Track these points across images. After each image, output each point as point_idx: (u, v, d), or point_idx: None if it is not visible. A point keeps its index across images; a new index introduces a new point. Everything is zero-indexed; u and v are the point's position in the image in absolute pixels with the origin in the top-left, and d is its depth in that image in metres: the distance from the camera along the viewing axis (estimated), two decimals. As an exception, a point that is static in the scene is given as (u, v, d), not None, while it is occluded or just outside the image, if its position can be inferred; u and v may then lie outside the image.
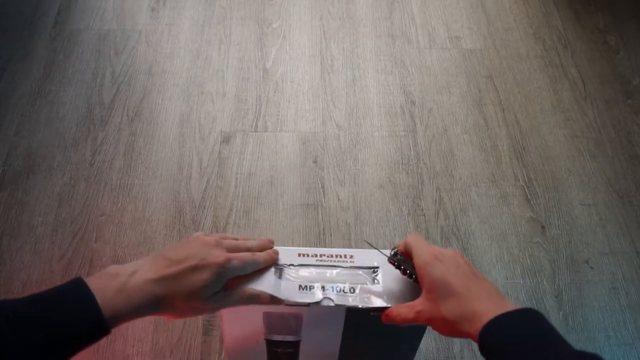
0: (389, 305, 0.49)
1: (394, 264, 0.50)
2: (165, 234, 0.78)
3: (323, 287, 0.50)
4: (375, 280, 0.51)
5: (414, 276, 0.49)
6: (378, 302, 0.49)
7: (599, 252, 0.78)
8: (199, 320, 0.71)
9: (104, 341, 0.68)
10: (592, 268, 0.76)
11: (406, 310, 0.47)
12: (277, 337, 0.56)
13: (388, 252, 0.51)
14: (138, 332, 0.70)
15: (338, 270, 0.52)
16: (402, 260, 0.50)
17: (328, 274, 0.52)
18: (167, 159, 0.86)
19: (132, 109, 0.92)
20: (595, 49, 1.01)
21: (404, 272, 0.50)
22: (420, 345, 0.69)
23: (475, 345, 0.69)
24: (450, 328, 0.44)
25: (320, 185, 0.84)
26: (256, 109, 0.92)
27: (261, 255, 0.51)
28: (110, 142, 0.88)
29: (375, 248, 0.52)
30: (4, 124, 0.89)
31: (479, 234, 0.79)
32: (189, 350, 0.69)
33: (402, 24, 1.05)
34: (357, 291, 0.50)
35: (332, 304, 0.49)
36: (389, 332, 0.53)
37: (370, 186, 0.84)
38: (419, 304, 0.47)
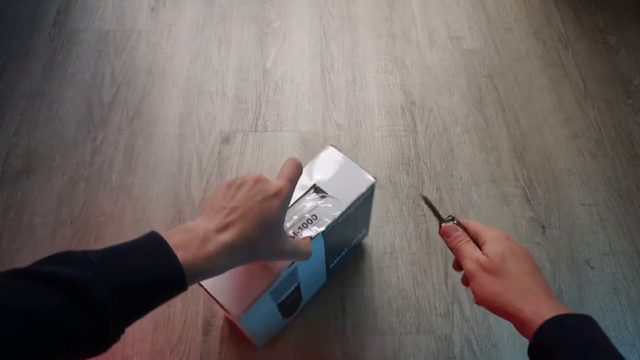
0: (346, 205, 0.57)
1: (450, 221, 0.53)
2: (165, 234, 0.78)
3: (295, 230, 0.56)
4: (322, 196, 0.59)
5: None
6: (338, 209, 0.57)
7: (600, 253, 0.78)
8: (199, 320, 0.71)
9: (103, 341, 0.68)
10: (592, 268, 0.76)
11: (468, 247, 0.50)
12: (283, 296, 0.60)
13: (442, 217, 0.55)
14: (138, 332, 0.70)
15: (293, 210, 0.57)
16: (458, 225, 0.53)
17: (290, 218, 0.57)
18: (167, 159, 0.86)
19: (132, 109, 0.92)
20: (596, 48, 1.01)
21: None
22: (421, 345, 0.70)
23: (475, 346, 0.70)
24: (499, 294, 0.44)
25: (320, 185, 0.83)
26: (256, 109, 0.92)
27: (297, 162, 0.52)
28: (110, 142, 0.88)
29: (432, 207, 0.57)
30: (3, 124, 0.89)
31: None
32: (189, 350, 0.69)
33: (402, 24, 1.04)
34: (319, 216, 0.57)
35: (313, 234, 0.55)
36: (351, 222, 0.63)
37: (370, 186, 0.84)
38: (483, 258, 0.48)
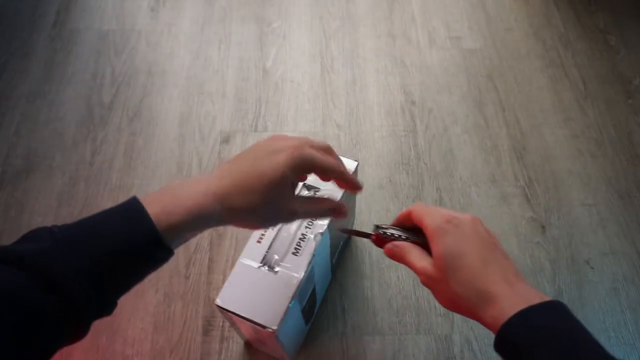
0: (341, 192, 0.58)
1: (387, 239, 0.47)
2: (165, 234, 0.78)
3: (303, 231, 0.57)
4: (315, 191, 0.59)
5: (411, 239, 0.46)
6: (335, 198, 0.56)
7: (600, 252, 0.78)
8: (199, 320, 0.71)
9: (103, 341, 0.68)
10: (592, 268, 0.76)
11: (416, 257, 0.43)
12: (305, 300, 0.60)
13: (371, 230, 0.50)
14: (138, 332, 0.70)
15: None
16: (387, 228, 0.48)
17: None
18: (166, 159, 0.86)
19: (132, 109, 0.92)
20: (596, 48, 1.01)
21: (399, 239, 0.46)
22: (421, 345, 0.70)
23: (475, 346, 0.70)
24: (456, 304, 0.40)
25: (320, 185, 0.84)
26: (256, 108, 0.92)
27: (348, 175, 0.44)
28: (110, 142, 0.88)
29: (351, 232, 0.55)
30: (3, 124, 0.89)
31: (479, 234, 0.79)
32: (189, 350, 0.69)
33: (402, 24, 1.04)
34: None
35: (321, 230, 0.57)
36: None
37: (370, 186, 0.84)
38: (429, 264, 0.42)
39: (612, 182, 0.85)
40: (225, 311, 0.52)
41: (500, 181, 0.84)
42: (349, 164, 0.62)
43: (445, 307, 0.43)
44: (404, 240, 0.46)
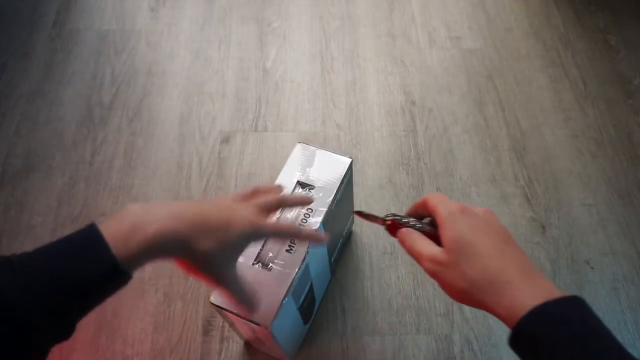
0: (335, 190, 0.59)
1: (400, 225, 0.48)
2: (165, 234, 0.78)
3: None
4: (310, 189, 0.60)
5: (426, 228, 0.46)
6: (329, 196, 0.59)
7: (600, 253, 0.78)
8: (199, 320, 0.71)
9: (103, 341, 0.68)
10: (592, 268, 0.76)
11: (422, 245, 0.43)
12: (302, 297, 0.60)
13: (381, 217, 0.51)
14: (138, 332, 0.70)
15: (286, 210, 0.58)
16: (401, 216, 0.48)
17: (284, 216, 0.58)
18: (166, 159, 0.86)
19: (131, 109, 0.92)
20: (596, 48, 1.01)
21: (419, 229, 0.46)
22: (421, 345, 0.70)
23: (475, 346, 0.70)
24: (466, 292, 0.38)
25: (320, 185, 0.84)
26: (256, 108, 0.92)
27: (305, 230, 0.48)
28: (110, 142, 0.88)
29: (367, 216, 0.54)
30: (3, 124, 0.89)
31: (479, 234, 0.79)
32: (189, 350, 0.69)
33: (402, 24, 1.04)
34: (313, 207, 0.58)
35: (315, 226, 0.56)
36: (341, 207, 0.65)
37: (370, 186, 0.84)
38: (437, 251, 0.41)
39: (612, 182, 0.85)
40: (220, 309, 0.52)
41: (500, 181, 0.84)
42: (342, 161, 0.62)
43: (452, 296, 0.41)
44: (418, 228, 0.46)
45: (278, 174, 0.84)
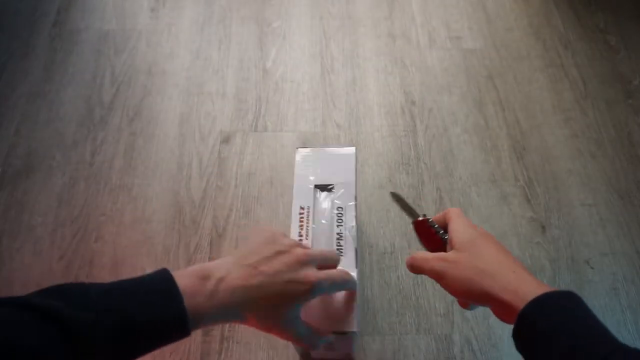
0: (354, 181, 0.60)
1: (427, 227, 0.52)
2: (165, 234, 0.78)
3: (335, 230, 0.57)
4: (330, 188, 0.60)
5: (445, 238, 0.50)
6: (351, 188, 0.59)
7: (600, 253, 0.78)
8: (198, 320, 0.71)
9: (103, 341, 0.68)
10: (592, 268, 0.76)
11: (425, 253, 0.47)
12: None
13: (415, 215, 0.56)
14: (138, 332, 0.70)
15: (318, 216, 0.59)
16: (431, 220, 0.53)
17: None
18: (167, 159, 0.86)
19: (132, 109, 0.92)
20: (596, 48, 1.01)
21: (440, 235, 0.51)
22: (421, 345, 0.70)
23: (475, 346, 0.70)
24: (475, 281, 0.42)
25: (320, 185, 0.84)
26: (256, 109, 0.92)
27: (350, 276, 0.50)
28: (110, 142, 0.88)
29: (403, 203, 0.57)
30: (3, 124, 0.89)
31: (479, 234, 0.79)
32: (189, 350, 0.69)
33: (402, 24, 1.04)
34: (341, 204, 0.58)
35: (353, 223, 0.57)
36: None
37: (370, 186, 0.84)
38: (448, 254, 0.46)
39: (612, 182, 0.85)
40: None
41: (500, 181, 0.84)
42: (348, 152, 0.63)
43: (457, 290, 0.44)
44: (444, 239, 0.50)
45: (277, 173, 0.85)
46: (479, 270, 0.42)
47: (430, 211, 0.81)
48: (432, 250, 0.51)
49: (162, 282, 0.39)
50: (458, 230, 0.47)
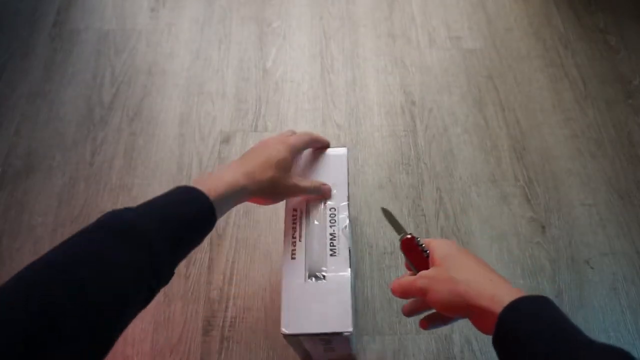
0: (346, 180, 0.61)
1: (414, 244, 0.53)
2: (165, 234, 0.78)
3: (331, 233, 0.58)
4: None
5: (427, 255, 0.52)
6: (343, 188, 0.60)
7: (600, 253, 0.78)
8: (199, 320, 0.71)
9: (103, 341, 0.68)
10: (592, 268, 0.76)
11: (406, 277, 0.50)
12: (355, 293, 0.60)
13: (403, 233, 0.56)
14: (138, 332, 0.70)
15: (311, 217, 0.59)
16: (418, 239, 0.54)
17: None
18: (167, 159, 0.86)
19: (132, 109, 0.92)
20: (596, 48, 1.01)
21: (424, 252, 0.52)
22: (421, 345, 0.70)
23: (475, 346, 0.70)
24: (456, 291, 0.44)
25: (320, 185, 0.83)
26: (256, 108, 0.92)
27: (319, 136, 0.62)
28: (110, 142, 0.88)
29: (391, 218, 0.56)
30: (3, 124, 0.89)
31: (479, 234, 0.79)
32: (189, 350, 0.69)
33: (402, 24, 1.04)
34: (334, 205, 0.59)
35: (346, 223, 0.58)
36: None
37: (370, 186, 0.84)
38: (429, 271, 0.48)
39: (612, 182, 0.85)
40: (294, 337, 0.52)
41: (500, 181, 0.84)
42: (339, 152, 0.63)
43: (440, 303, 0.46)
44: (425, 258, 0.52)
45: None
46: (456, 281, 0.44)
47: (430, 211, 0.81)
48: (418, 268, 0.51)
49: (184, 189, 0.47)
50: (437, 247, 0.50)
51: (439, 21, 1.05)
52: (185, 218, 0.45)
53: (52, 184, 0.83)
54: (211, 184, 0.48)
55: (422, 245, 0.52)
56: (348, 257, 0.55)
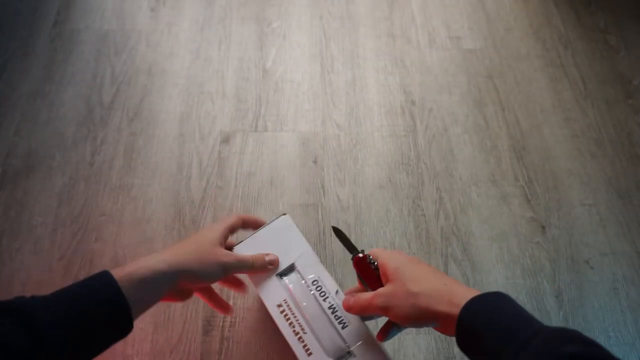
0: (309, 249, 0.58)
1: (366, 262, 0.52)
2: (165, 234, 0.78)
3: (331, 304, 0.55)
4: (293, 270, 0.58)
5: (378, 273, 0.51)
6: (313, 257, 0.58)
7: (600, 252, 0.78)
8: (199, 320, 0.71)
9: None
10: (592, 268, 0.76)
11: (360, 295, 0.50)
12: None
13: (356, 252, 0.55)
14: (138, 332, 0.70)
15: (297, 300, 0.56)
16: (370, 257, 0.53)
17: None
18: (166, 159, 0.86)
19: (132, 109, 0.92)
20: (596, 48, 1.01)
21: (376, 269, 0.52)
22: (421, 345, 0.70)
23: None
24: (416, 305, 0.44)
25: (320, 185, 0.84)
26: (256, 108, 0.92)
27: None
28: (110, 142, 0.88)
29: (342, 237, 0.56)
30: (3, 124, 0.89)
31: (479, 234, 0.79)
32: (189, 350, 0.69)
33: (402, 24, 1.04)
34: (317, 278, 0.56)
35: (337, 287, 0.56)
36: None
37: (370, 186, 0.84)
38: (383, 289, 0.48)
39: (612, 182, 0.85)
40: None
41: (500, 181, 0.84)
42: (283, 221, 0.60)
43: (402, 318, 0.46)
44: (377, 274, 0.51)
45: (277, 173, 0.85)
46: (415, 294, 0.44)
47: (430, 211, 0.81)
48: (370, 285, 0.51)
49: (101, 276, 0.44)
50: (387, 260, 0.49)
51: (439, 21, 1.05)
52: (88, 311, 0.42)
53: (52, 184, 0.83)
54: (128, 268, 0.45)
55: (374, 263, 0.52)
56: (359, 320, 0.53)
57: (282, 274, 0.57)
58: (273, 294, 0.55)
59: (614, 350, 0.69)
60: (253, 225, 0.60)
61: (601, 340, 0.70)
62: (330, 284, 0.55)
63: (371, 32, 1.03)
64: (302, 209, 0.81)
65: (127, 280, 0.43)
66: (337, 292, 0.55)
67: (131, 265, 0.46)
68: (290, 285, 0.56)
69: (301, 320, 0.53)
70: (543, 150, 0.88)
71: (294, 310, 0.54)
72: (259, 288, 0.56)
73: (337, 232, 0.58)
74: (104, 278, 0.43)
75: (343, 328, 0.52)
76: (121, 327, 0.44)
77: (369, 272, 0.52)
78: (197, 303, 0.72)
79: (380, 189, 0.83)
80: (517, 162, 0.87)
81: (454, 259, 0.77)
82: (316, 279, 0.56)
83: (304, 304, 0.54)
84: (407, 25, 1.04)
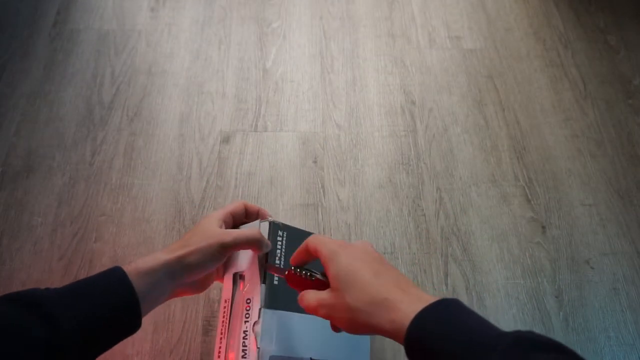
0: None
1: (296, 276, 0.49)
2: (165, 234, 0.78)
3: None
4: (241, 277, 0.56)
5: (316, 276, 0.48)
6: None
7: (600, 253, 0.78)
8: (199, 320, 0.71)
9: (103, 341, 0.68)
10: (592, 268, 0.76)
11: (311, 297, 0.45)
12: None
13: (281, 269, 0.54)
14: (138, 332, 0.70)
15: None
16: (301, 268, 0.49)
17: None
18: (166, 159, 0.86)
19: (132, 109, 0.92)
20: (596, 48, 1.01)
21: (310, 278, 0.48)
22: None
23: (475, 346, 0.69)
24: (355, 320, 0.41)
25: (320, 185, 0.84)
26: (256, 108, 0.92)
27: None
28: (110, 142, 0.88)
29: (268, 266, 0.54)
30: (3, 124, 0.89)
31: (479, 234, 0.79)
32: (189, 350, 0.69)
33: (402, 23, 1.04)
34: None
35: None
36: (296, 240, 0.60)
37: (370, 186, 0.84)
38: (324, 293, 0.44)
39: (612, 182, 0.85)
40: None
41: (500, 181, 0.84)
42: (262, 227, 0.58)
43: (348, 329, 0.43)
44: (316, 278, 0.48)
45: (277, 173, 0.85)
46: (352, 309, 0.41)
47: (430, 211, 0.81)
48: (319, 288, 0.47)
49: (113, 272, 0.46)
50: (328, 263, 0.44)
51: (439, 21, 1.05)
52: (92, 284, 0.44)
53: (52, 184, 0.83)
54: (133, 264, 0.47)
55: (304, 273, 0.48)
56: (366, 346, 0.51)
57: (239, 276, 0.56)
58: (226, 289, 0.55)
59: (614, 351, 0.69)
60: (253, 215, 0.60)
61: (601, 340, 0.70)
62: (255, 312, 0.51)
63: (371, 32, 1.03)
64: (302, 209, 0.81)
65: (135, 275, 0.45)
66: (255, 323, 0.50)
67: (136, 262, 0.47)
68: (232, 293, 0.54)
69: (225, 329, 0.53)
70: (543, 150, 0.88)
71: (229, 315, 0.53)
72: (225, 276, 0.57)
73: (264, 266, 0.54)
74: (117, 273, 0.45)
75: (242, 357, 0.50)
76: (130, 323, 0.45)
77: (306, 284, 0.48)
78: (197, 303, 0.72)
79: (380, 189, 0.83)
80: (517, 162, 0.87)
81: (454, 259, 0.77)
82: (250, 298, 0.52)
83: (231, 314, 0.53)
84: (407, 25, 1.04)
